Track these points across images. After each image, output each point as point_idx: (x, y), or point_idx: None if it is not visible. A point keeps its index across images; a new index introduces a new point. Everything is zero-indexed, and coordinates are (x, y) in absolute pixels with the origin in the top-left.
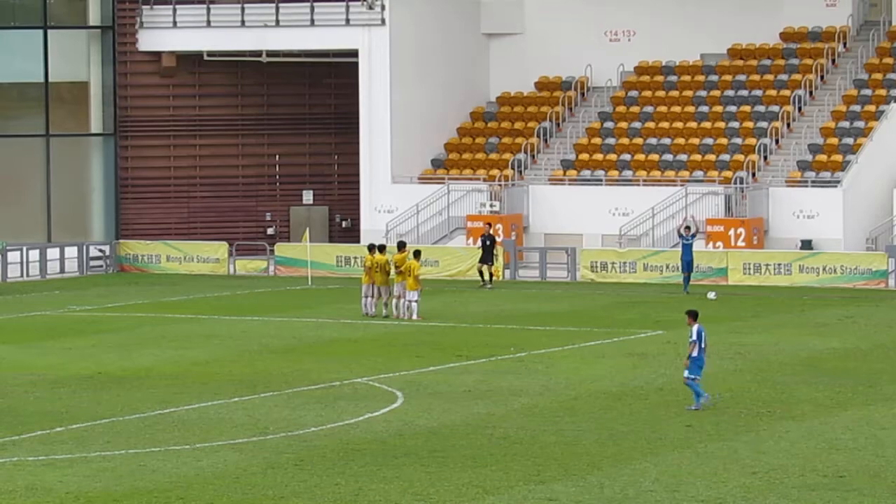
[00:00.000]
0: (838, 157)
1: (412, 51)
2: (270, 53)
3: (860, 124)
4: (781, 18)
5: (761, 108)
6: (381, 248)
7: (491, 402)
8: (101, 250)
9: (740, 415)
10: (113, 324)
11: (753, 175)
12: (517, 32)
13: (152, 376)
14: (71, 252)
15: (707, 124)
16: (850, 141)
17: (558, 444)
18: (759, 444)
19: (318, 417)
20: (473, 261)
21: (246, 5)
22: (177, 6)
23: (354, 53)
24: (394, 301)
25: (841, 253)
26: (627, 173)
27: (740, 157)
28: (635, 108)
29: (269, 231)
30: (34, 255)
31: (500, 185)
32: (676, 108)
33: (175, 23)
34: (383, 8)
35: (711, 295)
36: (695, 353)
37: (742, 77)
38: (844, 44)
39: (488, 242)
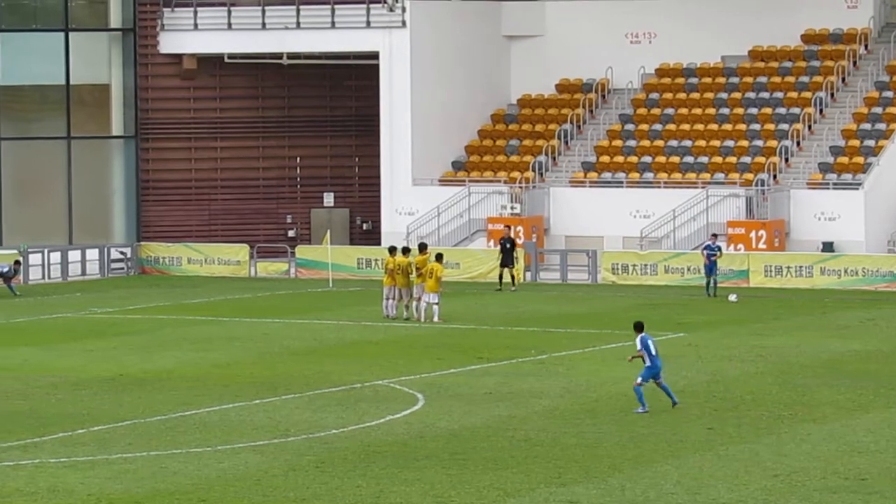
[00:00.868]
0: (860, 159)
1: (433, 53)
2: (291, 56)
3: (881, 126)
4: (802, 20)
5: (782, 111)
6: (405, 251)
7: (512, 404)
8: (122, 252)
9: (762, 417)
10: (134, 326)
11: (774, 177)
12: (538, 34)
13: (173, 378)
14: (92, 254)
15: (728, 126)
16: (871, 143)
17: (579, 447)
18: (780, 446)
19: (339, 419)
20: (494, 263)
21: (267, 8)
22: (198, 8)
23: (375, 56)
24: (414, 303)
25: (862, 255)
26: (648, 175)
27: (761, 159)
28: (656, 111)
29: (290, 233)
30: (55, 257)
31: (520, 187)
32: (697, 111)
33: (196, 25)
34: (404, 10)
35: (732, 297)
36: (647, 362)
37: (763, 79)
38: (866, 46)
39: (508, 245)
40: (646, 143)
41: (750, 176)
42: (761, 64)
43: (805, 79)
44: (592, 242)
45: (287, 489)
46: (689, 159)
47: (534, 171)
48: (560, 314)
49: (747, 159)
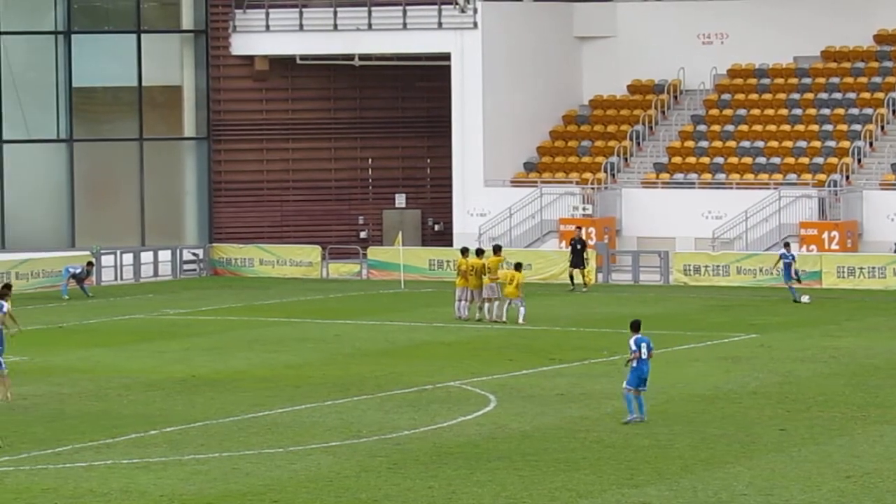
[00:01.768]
0: None
1: (504, 54)
2: (363, 57)
3: None
4: (875, 21)
5: (855, 111)
6: (478, 252)
7: (584, 405)
8: (194, 254)
9: (834, 418)
10: (206, 327)
11: (847, 178)
12: (610, 35)
13: (245, 379)
14: (164, 256)
15: (800, 127)
16: None
17: (651, 448)
18: (853, 447)
19: (411, 421)
20: (566, 264)
21: (338, 9)
22: (269, 10)
23: (447, 57)
24: (486, 305)
25: None
26: (720, 176)
27: (834, 159)
28: (728, 111)
29: (362, 234)
30: (128, 258)
31: (592, 188)
32: (769, 111)
33: (268, 27)
34: (475, 11)
35: (805, 298)
36: (634, 364)
37: (835, 80)
38: None
39: (579, 246)
40: (718, 143)
41: (822, 177)
42: (833, 64)
43: (878, 79)
44: (664, 243)
45: (359, 490)
46: (762, 160)
47: (605, 172)
48: (632, 315)
49: (819, 160)
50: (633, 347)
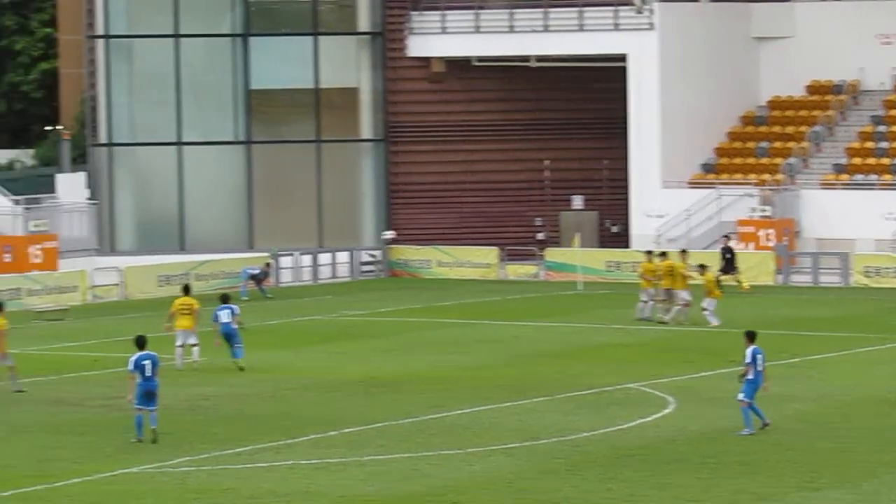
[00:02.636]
0: None
1: (681, 55)
2: (539, 58)
3: None
4: None
5: None
6: (662, 255)
7: (763, 407)
8: (372, 255)
9: None
10: (384, 328)
11: None
12: (788, 36)
13: (424, 380)
14: (342, 257)
15: None
16: None
17: (832, 451)
18: None
19: (590, 423)
20: (744, 266)
21: (514, 11)
22: (446, 12)
23: (623, 58)
24: (675, 308)
25: None
26: None
27: None
28: None
29: (539, 236)
30: (306, 260)
31: (771, 189)
32: None
33: (444, 28)
34: (652, 12)
35: None
36: (750, 376)
37: None
38: None
39: (728, 255)
40: None
41: None
42: None
43: None
44: (844, 245)
45: (538, 492)
46: None
47: (784, 173)
48: (812, 317)
49: None
50: (749, 359)
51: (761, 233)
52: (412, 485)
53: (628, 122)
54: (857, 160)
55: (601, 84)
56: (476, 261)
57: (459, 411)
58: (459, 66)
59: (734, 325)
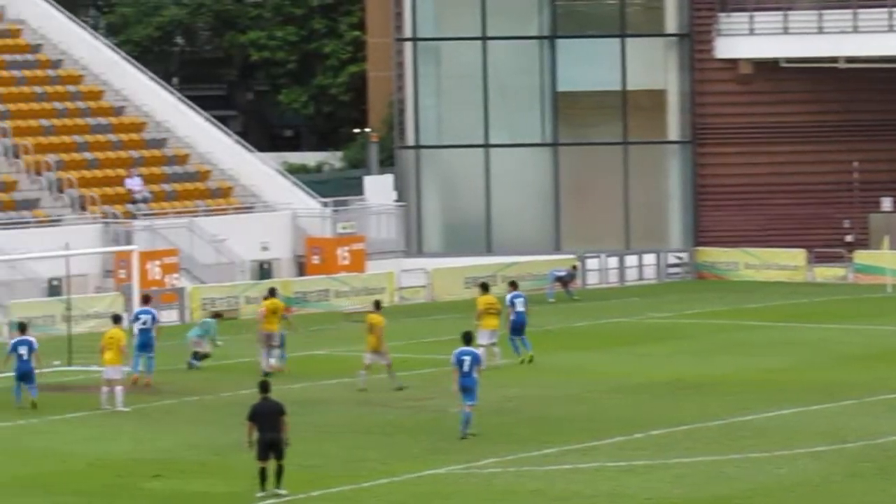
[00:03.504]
0: None
1: None
2: (848, 59)
3: None
4: None
5: None
6: None
7: None
8: (678, 257)
9: None
10: (690, 331)
11: None
12: None
13: (730, 383)
14: (649, 259)
15: None
16: None
17: None
18: None
19: None
20: None
21: (823, 12)
22: (753, 13)
23: None
24: None
25: None
26: None
27: None
28: None
29: (848, 238)
30: (612, 261)
31: None
32: None
33: (751, 30)
34: None
35: None
36: None
37: None
38: None
39: None
40: None
41: None
42: None
43: None
44: None
45: (846, 496)
46: None
47: None
48: None
49: None
50: None
51: None
52: (718, 487)
53: None
54: None
55: None
56: (783, 263)
57: (766, 414)
58: (767, 68)
59: None
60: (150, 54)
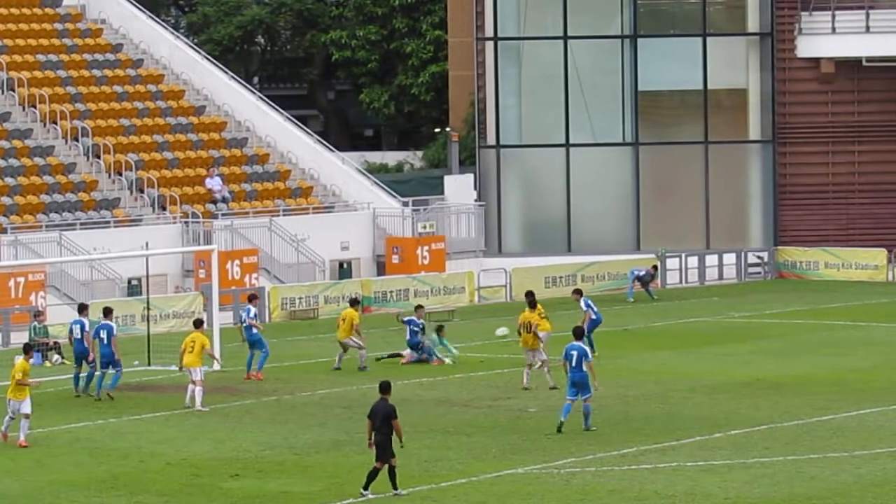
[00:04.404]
0: None
1: None
2: None
3: None
4: None
5: None
6: None
7: None
8: (759, 257)
9: None
10: (771, 330)
11: None
12: None
13: (810, 382)
14: (729, 258)
15: None
16: None
17: None
18: None
19: None
20: None
21: None
22: (835, 12)
23: None
24: None
25: None
26: None
27: None
28: None
29: None
30: (693, 261)
31: None
32: None
33: (833, 29)
34: None
35: None
36: None
37: None
38: None
39: None
40: None
41: None
42: None
43: None
44: None
45: None
46: None
47: None
48: None
49: None
50: None
51: None
52: (797, 487)
53: None
54: None
55: None
56: (864, 262)
57: (846, 414)
58: (849, 67)
59: None
60: (231, 54)
